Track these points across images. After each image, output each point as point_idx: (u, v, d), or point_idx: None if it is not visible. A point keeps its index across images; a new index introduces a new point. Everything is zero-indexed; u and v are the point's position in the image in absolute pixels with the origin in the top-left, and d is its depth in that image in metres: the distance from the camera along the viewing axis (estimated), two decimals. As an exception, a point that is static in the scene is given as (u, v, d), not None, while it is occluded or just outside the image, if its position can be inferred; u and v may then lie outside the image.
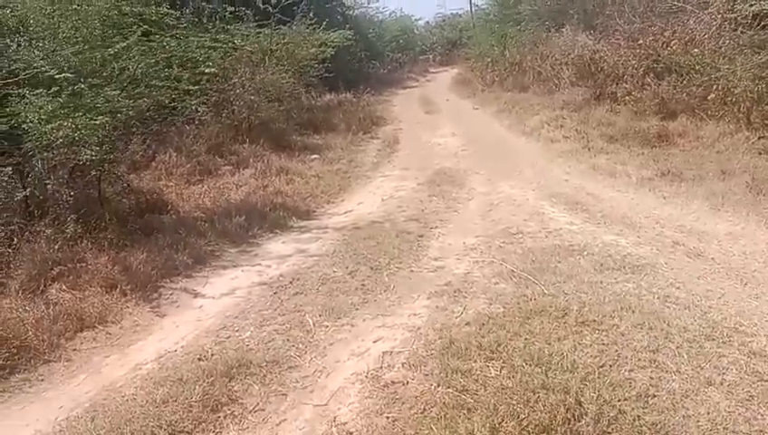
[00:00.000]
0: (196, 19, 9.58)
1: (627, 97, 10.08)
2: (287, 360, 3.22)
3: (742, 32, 8.64)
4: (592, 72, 11.42)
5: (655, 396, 2.65)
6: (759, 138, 7.38)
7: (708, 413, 2.53)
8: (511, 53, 15.99)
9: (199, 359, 3.24)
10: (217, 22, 9.71)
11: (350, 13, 21.34)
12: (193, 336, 3.58)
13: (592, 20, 13.51)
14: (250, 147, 8.81)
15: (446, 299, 3.88)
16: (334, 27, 14.28)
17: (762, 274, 4.08)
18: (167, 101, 5.89)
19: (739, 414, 2.54)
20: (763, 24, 8.34)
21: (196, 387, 2.88)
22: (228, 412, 2.78)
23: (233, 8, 10.57)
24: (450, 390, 2.76)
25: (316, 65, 12.73)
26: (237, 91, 9.41)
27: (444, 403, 2.66)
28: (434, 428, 2.47)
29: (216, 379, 2.98)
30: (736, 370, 2.85)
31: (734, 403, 2.60)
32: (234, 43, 8.66)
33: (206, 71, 6.16)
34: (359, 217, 6.01)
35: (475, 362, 2.98)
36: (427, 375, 2.94)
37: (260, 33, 11.08)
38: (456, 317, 3.58)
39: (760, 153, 6.96)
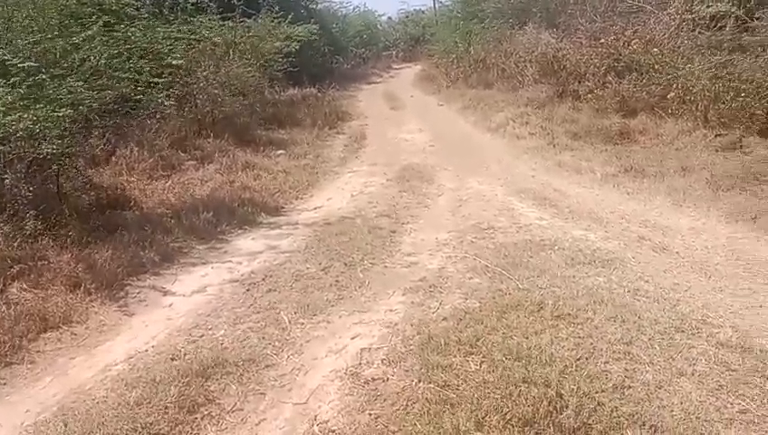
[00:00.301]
0: (157, 10, 9.33)
1: (589, 95, 10.29)
2: (264, 358, 3.17)
3: (700, 32, 8.93)
4: (555, 70, 11.61)
5: (630, 387, 2.71)
6: (716, 135, 7.62)
7: (681, 403, 2.60)
8: (475, 49, 16.10)
9: (172, 359, 3.16)
10: (179, 13, 9.49)
11: (314, 7, 21.12)
12: (164, 335, 3.49)
13: (555, 18, 13.73)
14: (214, 141, 8.65)
15: (422, 294, 3.88)
16: (299, 21, 14.13)
17: (724, 267, 4.22)
18: (131, 94, 5.70)
19: (710, 404, 2.61)
20: (719, 25, 8.64)
21: (171, 388, 2.81)
22: (206, 413, 2.71)
23: (194, -1, 10.31)
24: (432, 385, 2.76)
25: (280, 59, 12.58)
26: (201, 84, 9.20)
27: (426, 399, 2.65)
28: (418, 424, 2.47)
29: (192, 379, 2.90)
30: (705, 360, 2.94)
31: (704, 393, 2.68)
32: (202, 34, 8.44)
33: (173, 62, 6.00)
34: (329, 213, 5.96)
35: (455, 356, 2.99)
36: (407, 371, 2.94)
37: (223, 25, 10.87)
38: (433, 313, 3.58)
39: (717, 150, 7.20)
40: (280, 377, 3.00)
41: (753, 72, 7.24)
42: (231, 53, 10.86)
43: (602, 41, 10.97)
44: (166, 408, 2.69)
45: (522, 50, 13.41)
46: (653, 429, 2.42)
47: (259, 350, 3.24)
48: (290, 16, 13.32)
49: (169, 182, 6.80)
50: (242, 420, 2.68)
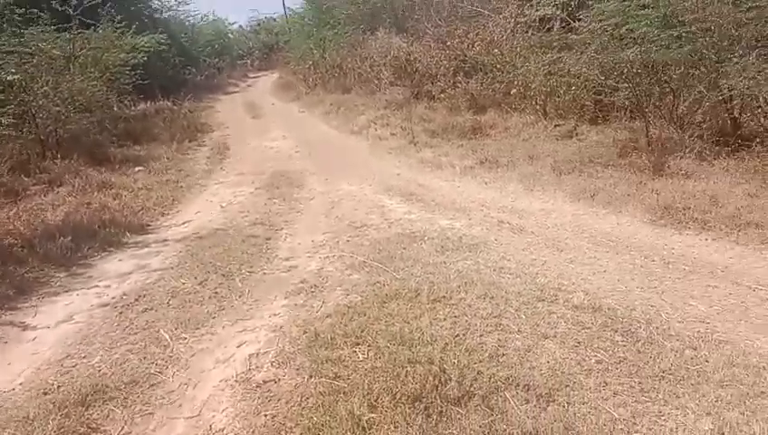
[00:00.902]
0: (-24, 23, 8.47)
1: (442, 94, 10.95)
2: (148, 378, 3.05)
3: (532, 33, 9.85)
4: (409, 73, 12.19)
5: (504, 355, 2.98)
6: (555, 126, 8.48)
7: (548, 362, 2.91)
8: (331, 56, 16.38)
9: (45, 393, 2.92)
10: (5, 24, 8.67)
11: (159, 16, 20.22)
12: (32, 371, 3.21)
13: (404, 23, 14.39)
14: (63, 163, 8.06)
15: (304, 296, 3.94)
16: (144, 31, 13.49)
17: (572, 240, 4.73)
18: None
19: (571, 359, 2.95)
20: (548, 26, 9.58)
21: (48, 422, 2.61)
22: (90, 443, 2.57)
23: (22, 10, 9.43)
24: (323, 379, 2.83)
25: (128, 72, 11.95)
26: (40, 101, 8.48)
27: (319, 392, 2.72)
28: (314, 416, 2.53)
29: (70, 410, 2.72)
30: (564, 323, 3.30)
31: (566, 351, 3.02)
32: (37, 46, 7.75)
33: (8, 78, 5.47)
34: (200, 227, 5.79)
35: (343, 349, 3.09)
36: (297, 369, 2.98)
37: (59, 37, 10.09)
38: (317, 311, 3.66)
39: (557, 139, 8.01)
40: (168, 394, 2.91)
41: (580, 67, 8.13)
42: (71, 66, 10.15)
43: (449, 43, 11.70)
44: (44, 444, 2.52)
45: (376, 54, 13.89)
46: (526, 387, 2.69)
47: (141, 370, 3.11)
48: (134, 26, 12.67)
49: (15, 210, 6.21)
50: (131, 443, 2.58)
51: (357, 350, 3.09)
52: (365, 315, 3.47)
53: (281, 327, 3.51)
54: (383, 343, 3.09)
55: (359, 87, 14.12)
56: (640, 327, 3.20)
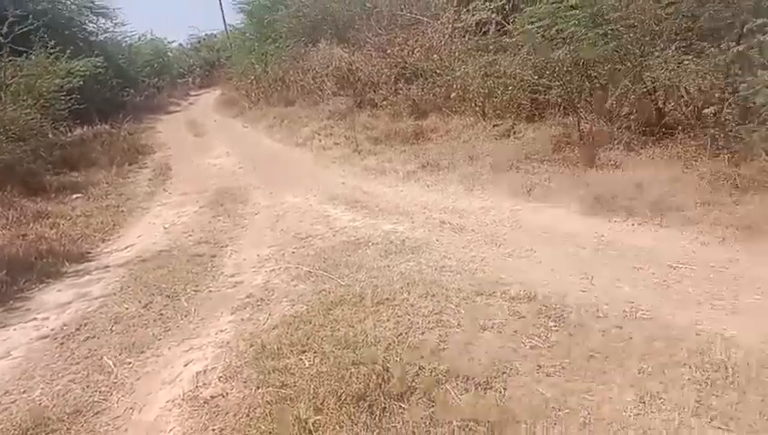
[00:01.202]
0: None
1: (384, 102, 11.08)
2: (91, 406, 3.01)
3: (469, 38, 10.11)
4: (351, 82, 12.29)
5: (445, 349, 3.10)
6: (493, 126, 8.72)
7: (486, 352, 3.04)
8: (273, 69, 16.33)
9: (-18, 432, 2.87)
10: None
11: (95, 39, 19.76)
12: (-32, 412, 3.14)
13: (344, 34, 14.48)
14: (-6, 195, 7.79)
15: (250, 310, 3.96)
16: (79, 55, 13.20)
17: (510, 236, 4.90)
18: None
19: (508, 347, 3.08)
20: (483, 30, 9.86)
21: (-13, 460, 2.57)
22: (32, 476, 2.53)
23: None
24: (270, 388, 2.87)
25: (63, 97, 11.64)
26: (-32, 133, 8.21)
27: (267, 402, 2.77)
28: (262, 425, 2.58)
29: (10, 446, 2.68)
30: (502, 314, 3.44)
31: (504, 340, 3.16)
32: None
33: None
34: (143, 250, 5.72)
35: (289, 358, 3.14)
36: (245, 382, 3.01)
37: (-14, 66, 9.79)
38: (264, 324, 3.69)
39: (496, 139, 8.24)
40: (113, 420, 2.89)
41: (515, 68, 8.38)
42: (2, 95, 9.83)
43: (389, 51, 11.86)
44: (-17, 482, 2.47)
45: (318, 66, 13.92)
46: (466, 378, 2.80)
47: (85, 399, 3.08)
48: (68, 51, 12.37)
49: (-57, 249, 5.98)
50: (76, 472, 2.56)
51: (303, 357, 3.14)
52: (311, 323, 3.53)
53: (228, 343, 3.53)
54: (328, 349, 3.16)
55: (302, 99, 14.12)
56: (572, 312, 3.37)
